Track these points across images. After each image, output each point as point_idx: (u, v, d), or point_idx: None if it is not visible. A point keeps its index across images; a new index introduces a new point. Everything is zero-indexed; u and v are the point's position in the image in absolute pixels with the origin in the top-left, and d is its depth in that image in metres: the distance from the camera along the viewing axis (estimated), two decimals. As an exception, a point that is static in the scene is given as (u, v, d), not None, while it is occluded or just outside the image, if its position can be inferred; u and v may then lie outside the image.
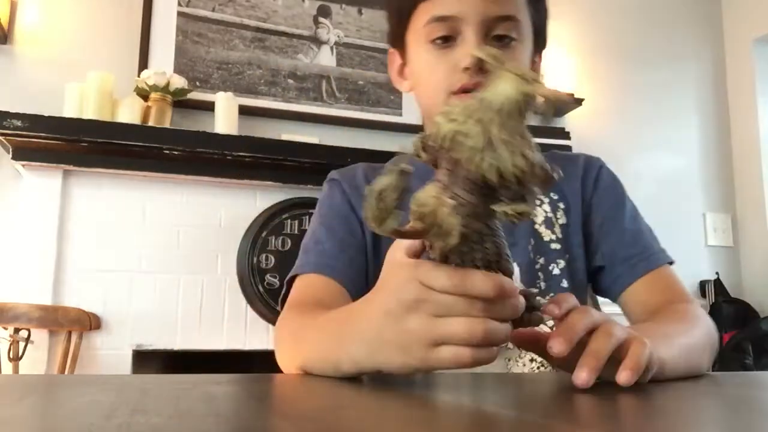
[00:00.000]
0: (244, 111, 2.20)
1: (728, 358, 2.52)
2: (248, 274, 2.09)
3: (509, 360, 0.73)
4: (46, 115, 1.88)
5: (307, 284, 0.77)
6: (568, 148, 2.47)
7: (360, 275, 0.78)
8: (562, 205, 0.83)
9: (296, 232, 2.18)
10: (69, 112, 1.97)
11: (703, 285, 2.76)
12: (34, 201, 1.94)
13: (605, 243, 0.82)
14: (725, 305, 2.66)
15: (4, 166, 2.01)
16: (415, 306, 0.44)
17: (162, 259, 2.04)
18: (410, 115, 2.49)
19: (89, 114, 1.96)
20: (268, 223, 2.14)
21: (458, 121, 0.38)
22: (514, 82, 0.38)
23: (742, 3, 3.00)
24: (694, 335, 0.64)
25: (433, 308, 0.43)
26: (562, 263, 0.79)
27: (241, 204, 2.16)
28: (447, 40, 0.74)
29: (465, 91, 0.73)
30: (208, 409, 0.33)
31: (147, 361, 2.03)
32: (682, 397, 0.46)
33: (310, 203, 2.20)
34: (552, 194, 0.84)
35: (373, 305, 0.49)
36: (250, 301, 2.11)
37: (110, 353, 1.95)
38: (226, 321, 2.09)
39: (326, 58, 2.42)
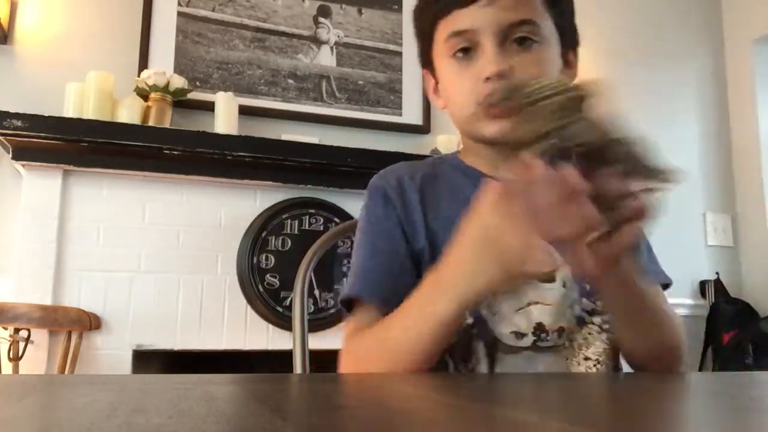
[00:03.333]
0: (244, 111, 2.20)
1: (728, 358, 2.52)
2: (248, 274, 2.09)
3: (567, 359, 0.75)
4: (46, 115, 1.88)
5: (359, 317, 0.76)
6: (568, 148, 2.47)
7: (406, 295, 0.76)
8: None
9: (296, 232, 2.18)
10: (69, 112, 1.97)
11: (703, 285, 2.76)
12: (34, 201, 1.94)
13: None
14: (725, 305, 2.66)
15: (4, 166, 2.01)
16: (494, 210, 0.55)
17: (162, 259, 2.04)
18: (410, 115, 2.49)
19: (89, 114, 1.96)
20: (268, 223, 2.15)
21: None
22: None
23: (742, 3, 3.00)
24: (667, 316, 0.74)
25: (525, 198, 0.52)
26: None
27: (241, 204, 2.16)
28: (467, 52, 0.76)
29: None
30: (208, 409, 0.33)
31: (147, 361, 2.03)
32: (684, 397, 0.46)
33: (310, 203, 2.20)
34: None
35: (452, 250, 0.60)
36: (250, 301, 2.11)
37: (110, 353, 1.95)
38: (226, 321, 2.09)
39: (326, 58, 2.42)
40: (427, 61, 0.85)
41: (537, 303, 0.74)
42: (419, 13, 0.84)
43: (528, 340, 0.74)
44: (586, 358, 0.75)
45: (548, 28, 0.78)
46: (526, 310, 0.74)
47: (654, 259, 0.86)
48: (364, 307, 0.75)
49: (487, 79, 0.73)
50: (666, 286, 0.83)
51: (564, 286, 0.76)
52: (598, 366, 0.76)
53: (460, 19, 0.76)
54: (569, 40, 0.82)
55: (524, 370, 0.72)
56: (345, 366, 0.73)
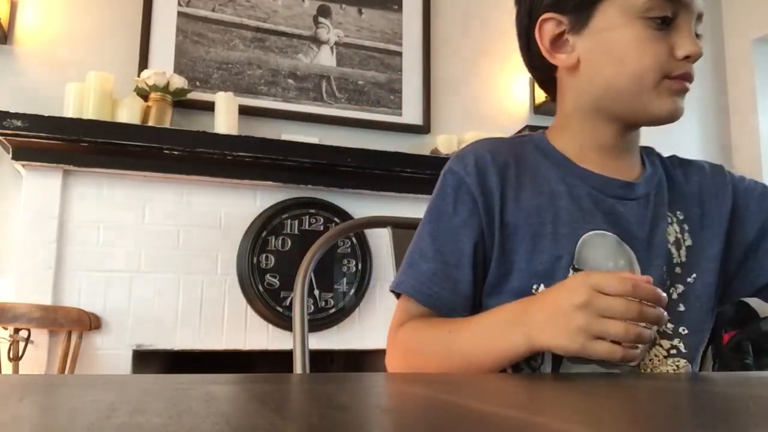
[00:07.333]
0: (244, 111, 2.20)
1: (728, 358, 2.52)
2: (248, 274, 2.09)
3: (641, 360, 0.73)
4: (46, 115, 1.88)
5: (406, 311, 0.74)
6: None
7: (467, 298, 0.73)
8: (686, 227, 0.79)
9: (296, 232, 2.18)
10: (69, 112, 1.97)
11: (703, 285, 2.76)
12: (34, 201, 1.94)
13: None
14: (725, 305, 2.66)
15: (4, 166, 2.01)
16: (584, 306, 0.57)
17: (162, 259, 2.04)
18: (410, 115, 2.49)
19: (89, 114, 1.96)
20: (268, 223, 2.15)
21: None
22: None
23: (742, 3, 3.00)
24: None
25: (598, 308, 0.57)
26: (680, 288, 0.76)
27: (241, 204, 2.16)
28: (664, 22, 0.72)
29: (683, 78, 0.73)
30: (208, 409, 0.33)
31: (147, 361, 2.03)
32: (683, 397, 0.46)
33: (310, 203, 2.20)
34: (678, 213, 0.80)
35: (546, 300, 0.62)
36: (250, 301, 2.11)
37: (110, 353, 1.95)
38: (226, 321, 2.09)
39: (326, 58, 2.42)
40: (580, 6, 0.74)
41: None
42: None
43: None
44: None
45: None
46: None
47: None
48: (408, 305, 0.74)
49: (686, 57, 0.72)
50: None
51: None
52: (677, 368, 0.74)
53: None
54: None
55: None
56: (394, 353, 0.72)
